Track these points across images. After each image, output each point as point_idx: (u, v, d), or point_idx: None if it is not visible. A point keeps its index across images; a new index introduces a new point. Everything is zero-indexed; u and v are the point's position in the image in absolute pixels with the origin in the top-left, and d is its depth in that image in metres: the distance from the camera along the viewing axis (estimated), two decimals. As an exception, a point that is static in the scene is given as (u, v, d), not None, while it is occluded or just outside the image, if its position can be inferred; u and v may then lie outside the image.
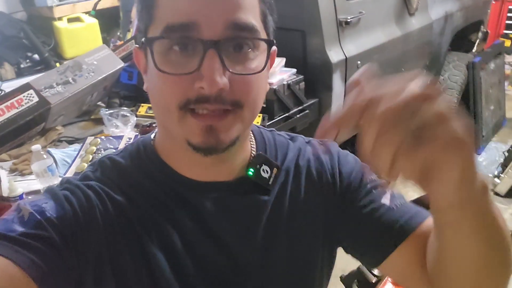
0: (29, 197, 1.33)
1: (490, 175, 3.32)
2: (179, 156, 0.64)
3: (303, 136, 0.80)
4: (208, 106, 0.54)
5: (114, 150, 1.55)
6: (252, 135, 0.73)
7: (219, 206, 0.65)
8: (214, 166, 0.64)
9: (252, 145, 0.71)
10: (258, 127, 0.77)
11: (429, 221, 0.67)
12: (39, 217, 0.55)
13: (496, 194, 3.15)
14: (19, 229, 0.54)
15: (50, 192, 0.61)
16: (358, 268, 1.36)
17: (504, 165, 3.20)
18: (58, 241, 0.55)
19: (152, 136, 0.70)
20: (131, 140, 1.62)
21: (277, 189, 0.69)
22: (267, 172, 0.68)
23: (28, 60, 3.11)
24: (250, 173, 0.67)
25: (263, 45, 0.58)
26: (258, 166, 0.67)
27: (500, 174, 3.16)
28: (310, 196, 0.72)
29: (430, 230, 0.62)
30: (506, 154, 3.29)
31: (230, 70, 0.54)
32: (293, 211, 0.70)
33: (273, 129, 0.79)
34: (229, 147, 0.58)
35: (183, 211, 0.64)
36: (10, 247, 0.52)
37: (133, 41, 2.08)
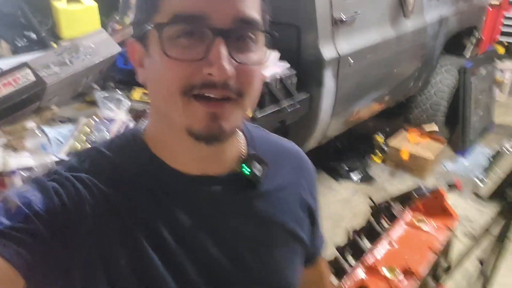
0: (26, 174, 1.37)
1: (474, 178, 3.40)
2: (173, 149, 0.64)
3: (289, 141, 0.85)
4: (215, 91, 0.55)
5: (107, 133, 1.60)
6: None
7: (212, 200, 0.66)
8: (208, 159, 0.65)
9: (241, 140, 0.72)
10: (244, 122, 0.76)
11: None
12: (26, 210, 0.54)
13: (478, 197, 3.23)
14: (6, 222, 0.53)
15: (38, 183, 0.59)
16: (335, 258, 1.42)
17: (488, 170, 3.28)
18: (45, 234, 0.54)
19: (142, 128, 0.69)
20: (124, 124, 1.66)
21: (266, 184, 0.71)
22: (259, 170, 0.70)
23: (25, 39, 3.11)
24: (246, 172, 0.68)
25: (263, 39, 0.60)
26: (251, 164, 0.69)
27: (484, 178, 3.24)
28: (295, 197, 0.77)
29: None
30: (491, 159, 3.36)
31: (237, 60, 0.56)
32: (280, 206, 0.74)
33: (258, 125, 0.82)
34: (229, 136, 0.60)
35: (175, 205, 0.64)
36: None
37: (131, 26, 2.11)
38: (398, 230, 1.52)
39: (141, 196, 0.62)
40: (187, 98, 0.56)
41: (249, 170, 0.68)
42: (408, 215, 1.60)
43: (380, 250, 1.41)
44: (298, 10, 2.16)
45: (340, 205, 3.13)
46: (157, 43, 0.56)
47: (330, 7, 2.18)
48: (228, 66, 0.54)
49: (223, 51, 0.54)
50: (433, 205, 1.56)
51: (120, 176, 0.63)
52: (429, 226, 1.53)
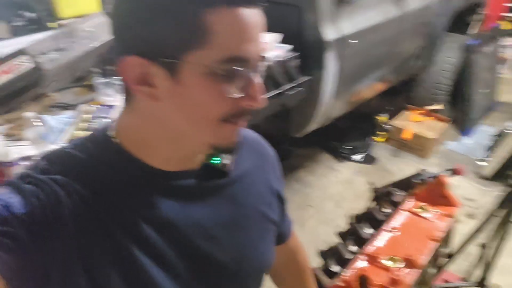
0: (27, 163, 1.37)
1: (477, 158, 3.39)
2: (156, 150, 0.66)
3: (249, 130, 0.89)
4: (245, 117, 0.63)
5: (107, 119, 1.59)
6: None
7: (189, 191, 0.70)
8: (186, 158, 0.69)
9: None
10: None
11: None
12: (5, 213, 0.54)
13: (481, 177, 3.22)
14: None
15: (14, 186, 0.59)
16: (336, 246, 1.43)
17: (491, 150, 3.26)
18: (24, 237, 0.54)
19: (111, 128, 0.67)
20: (124, 110, 1.65)
21: (236, 171, 0.76)
22: (228, 158, 0.75)
23: (22, 19, 3.06)
24: (217, 161, 0.73)
25: None
26: (220, 154, 0.73)
27: (486, 158, 3.23)
28: (263, 181, 0.83)
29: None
30: (494, 139, 3.34)
31: None
32: (251, 189, 0.79)
33: None
34: None
35: (152, 199, 0.66)
36: None
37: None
38: (400, 218, 1.52)
39: (118, 194, 0.63)
40: (220, 123, 0.61)
41: (219, 159, 0.73)
42: (410, 202, 1.60)
43: (381, 238, 1.42)
44: (299, -10, 2.11)
45: (342, 186, 3.13)
46: (203, 77, 0.57)
47: (332, -14, 2.13)
48: (263, 97, 0.62)
49: (261, 86, 0.61)
50: (435, 192, 1.56)
51: (94, 176, 0.63)
52: (430, 213, 1.53)
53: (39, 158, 0.65)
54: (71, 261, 0.57)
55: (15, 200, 0.56)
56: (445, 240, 1.58)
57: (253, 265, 0.79)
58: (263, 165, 0.85)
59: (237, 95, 0.59)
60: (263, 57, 0.62)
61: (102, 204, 0.61)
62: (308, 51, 2.18)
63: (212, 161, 0.73)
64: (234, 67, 0.58)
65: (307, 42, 2.18)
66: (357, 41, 2.33)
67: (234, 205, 0.76)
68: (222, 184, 0.74)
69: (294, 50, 2.14)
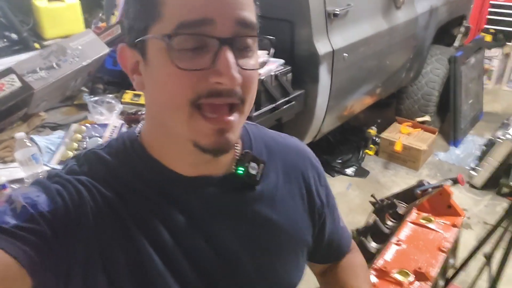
0: (17, 186, 1.30)
1: (467, 167, 3.40)
2: (171, 153, 0.64)
3: (291, 136, 0.85)
4: (220, 99, 0.56)
5: (100, 139, 1.53)
6: None
7: (209, 201, 0.67)
8: (207, 163, 0.65)
9: (238, 140, 0.72)
10: None
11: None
12: (31, 210, 0.55)
13: (472, 186, 3.23)
14: (12, 221, 0.54)
15: (41, 184, 0.60)
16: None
17: (480, 158, 3.28)
18: (49, 235, 0.55)
19: (137, 131, 0.69)
20: (117, 129, 1.60)
21: (264, 184, 0.72)
22: (255, 169, 0.70)
23: (5, 40, 3.00)
24: (240, 171, 0.69)
25: (256, 43, 0.60)
26: (246, 164, 0.69)
27: (477, 167, 3.24)
28: (294, 196, 0.77)
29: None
30: (484, 148, 3.37)
31: (242, 67, 0.56)
32: (278, 206, 0.74)
33: (255, 123, 0.82)
34: (234, 144, 0.61)
35: (173, 207, 0.64)
36: (3, 238, 0.52)
37: (118, 26, 2.03)
38: (405, 230, 1.49)
39: (139, 198, 0.63)
40: (193, 109, 0.56)
41: (243, 170, 0.68)
42: (414, 213, 1.57)
43: (389, 252, 1.38)
44: (291, 5, 2.10)
45: (336, 200, 3.10)
46: (161, 53, 0.55)
47: (323, 0, 2.13)
48: (237, 74, 0.54)
49: (231, 59, 0.54)
50: (439, 203, 1.54)
51: (119, 178, 0.63)
52: (435, 224, 1.50)
53: (71, 157, 0.68)
54: (92, 261, 0.58)
55: (41, 199, 0.57)
56: (453, 251, 1.55)
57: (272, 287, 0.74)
58: (298, 179, 0.78)
59: (197, 68, 0.54)
60: (243, 24, 0.55)
61: (123, 205, 0.62)
62: (301, 65, 2.17)
63: (237, 171, 0.69)
64: (188, 34, 0.53)
65: (300, 56, 2.17)
66: (348, 54, 2.33)
67: (257, 224, 0.71)
68: (246, 197, 0.70)
69: (286, 64, 2.12)
